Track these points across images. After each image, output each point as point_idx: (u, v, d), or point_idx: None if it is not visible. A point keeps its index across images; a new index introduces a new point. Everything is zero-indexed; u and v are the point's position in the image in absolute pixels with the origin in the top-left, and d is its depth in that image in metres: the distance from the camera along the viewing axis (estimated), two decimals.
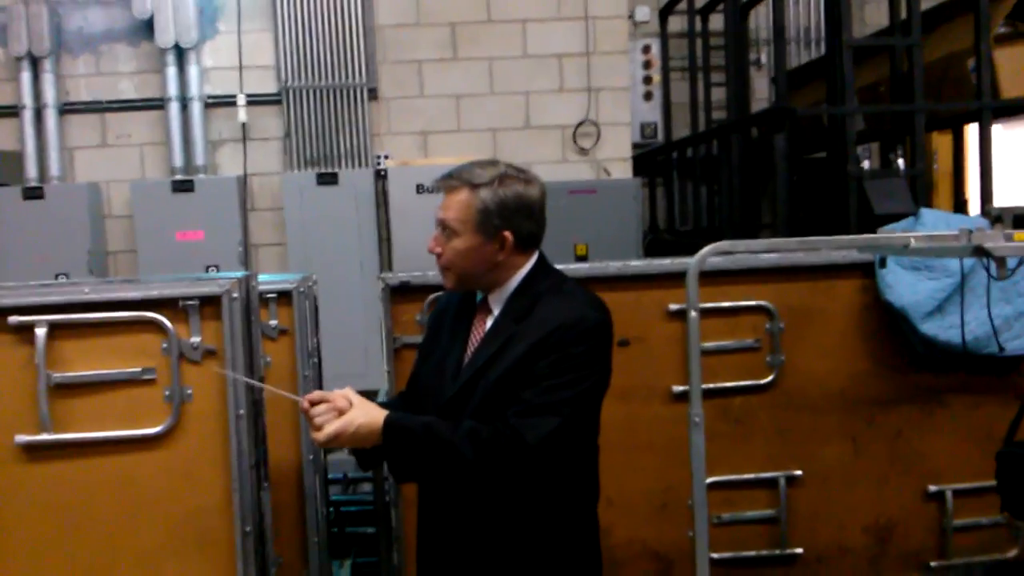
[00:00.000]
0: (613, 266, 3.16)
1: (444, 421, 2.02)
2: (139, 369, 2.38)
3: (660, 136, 8.00)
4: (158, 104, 6.04)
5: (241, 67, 6.06)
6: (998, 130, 5.45)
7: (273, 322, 3.08)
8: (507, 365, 2.05)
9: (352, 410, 2.03)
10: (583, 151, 6.21)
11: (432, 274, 2.86)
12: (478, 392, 2.06)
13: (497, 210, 2.07)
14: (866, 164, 6.97)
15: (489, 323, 2.15)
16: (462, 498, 2.12)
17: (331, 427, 2.00)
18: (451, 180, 2.11)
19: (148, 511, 2.40)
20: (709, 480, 2.72)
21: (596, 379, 2.09)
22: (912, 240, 2.53)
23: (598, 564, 2.23)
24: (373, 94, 6.11)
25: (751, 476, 3.23)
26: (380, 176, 5.96)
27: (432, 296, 2.95)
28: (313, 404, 2.08)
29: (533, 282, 2.14)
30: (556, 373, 2.02)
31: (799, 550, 3.26)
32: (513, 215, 2.08)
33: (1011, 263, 2.49)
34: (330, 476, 3.94)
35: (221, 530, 2.40)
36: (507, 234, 2.09)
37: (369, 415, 2.03)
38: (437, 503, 2.19)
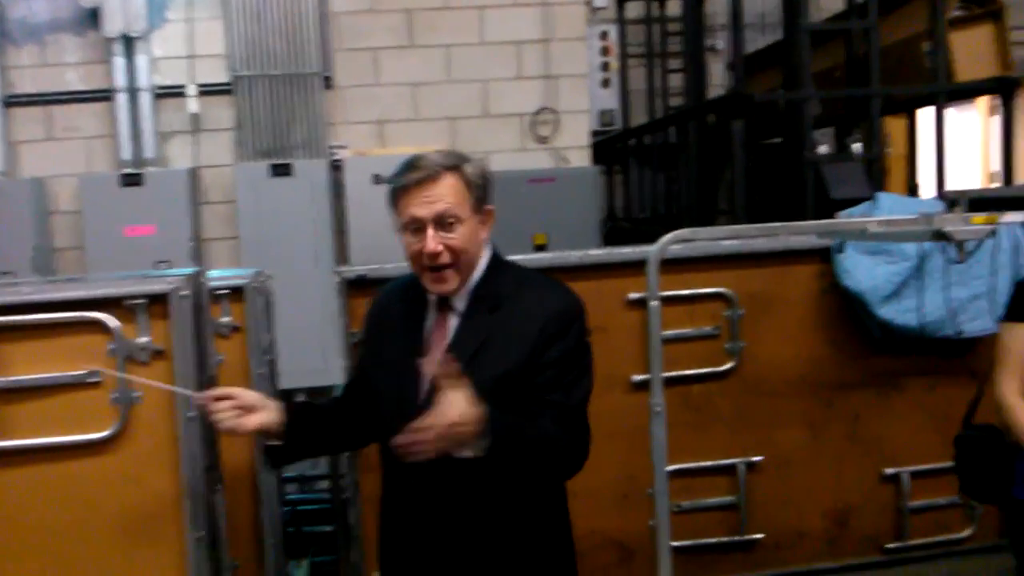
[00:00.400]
0: (573, 256, 3.14)
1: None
2: (85, 372, 2.31)
3: (618, 123, 7.99)
4: (106, 95, 5.89)
5: (192, 56, 5.92)
6: (951, 114, 5.50)
7: (225, 319, 2.99)
8: (506, 361, 1.96)
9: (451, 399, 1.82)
10: (542, 139, 6.16)
11: (390, 267, 2.80)
12: (475, 389, 1.94)
13: (482, 183, 2.01)
14: (823, 149, 7.01)
15: (453, 319, 2.05)
16: (444, 492, 2.02)
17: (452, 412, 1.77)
18: (429, 170, 1.95)
19: (97, 518, 2.34)
20: (669, 468, 2.71)
21: (591, 364, 2.08)
22: (871, 225, 2.53)
23: (572, 553, 2.20)
24: (328, 83, 6.01)
25: (711, 463, 3.23)
26: (336, 167, 5.87)
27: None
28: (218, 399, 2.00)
29: (496, 273, 2.08)
30: (567, 362, 1.99)
31: (759, 536, 3.28)
32: (488, 187, 2.04)
33: (969, 246, 2.50)
34: (285, 475, 3.87)
35: (173, 535, 2.34)
36: (489, 207, 2.03)
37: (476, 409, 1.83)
38: (413, 497, 2.08)
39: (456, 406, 1.76)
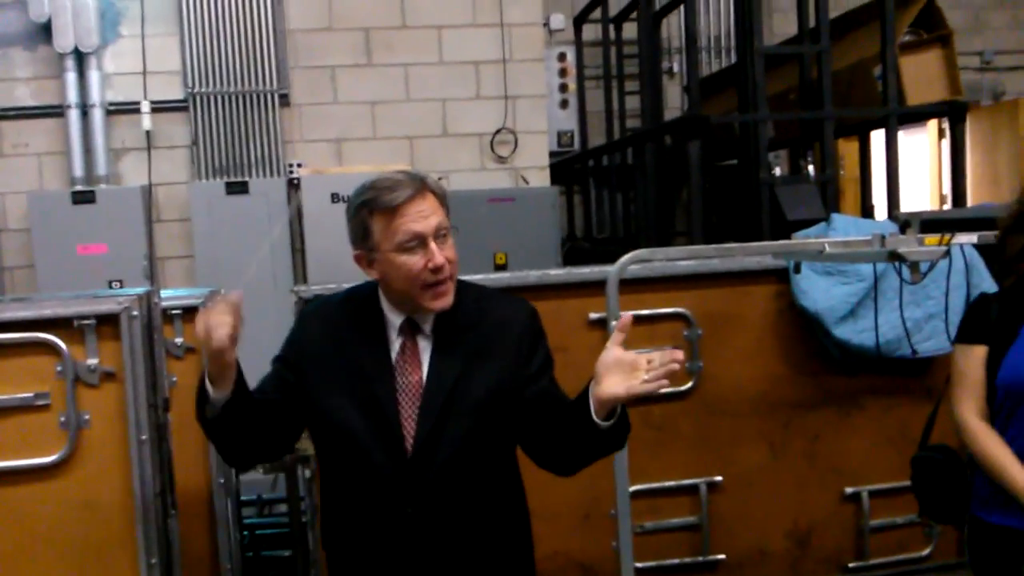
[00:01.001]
0: (533, 275, 3.13)
1: None
2: (32, 394, 2.25)
3: (576, 144, 8.04)
4: (57, 111, 5.77)
5: (145, 72, 5.83)
6: (902, 136, 5.60)
7: (179, 340, 2.94)
8: (493, 376, 1.96)
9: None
10: (501, 159, 6.16)
11: (348, 287, 2.76)
12: (460, 413, 1.94)
13: (445, 199, 2.00)
14: (777, 171, 7.11)
15: (423, 342, 1.99)
16: (403, 512, 1.97)
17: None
18: (416, 184, 1.91)
19: (45, 545, 2.27)
20: (632, 489, 2.70)
21: None
22: (827, 246, 2.56)
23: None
24: (285, 100, 5.96)
25: (673, 483, 3.23)
26: (293, 185, 5.81)
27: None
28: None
29: (457, 293, 2.04)
30: (548, 365, 2.02)
31: (721, 556, 3.28)
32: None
33: (923, 267, 2.53)
34: (243, 498, 3.80)
35: (125, 563, 2.28)
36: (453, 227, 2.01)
37: None
38: (368, 521, 2.01)
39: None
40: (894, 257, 2.48)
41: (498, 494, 2.05)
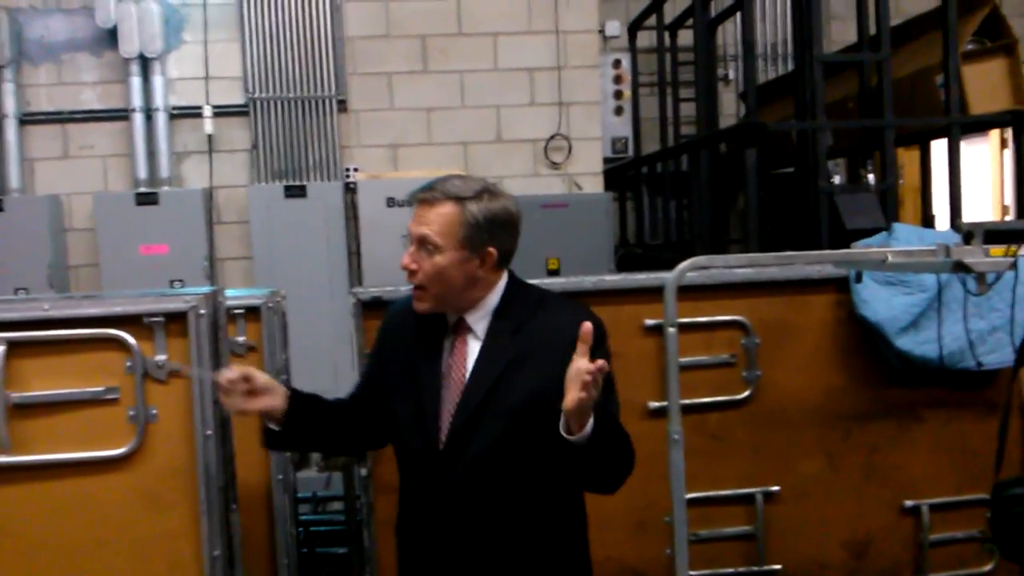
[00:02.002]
0: (588, 281, 3.12)
1: None
2: (102, 388, 2.30)
3: (630, 151, 8.02)
4: (122, 115, 5.93)
5: (207, 77, 5.97)
6: (962, 146, 5.50)
7: (241, 338, 3.00)
8: (536, 381, 1.97)
9: None
10: (554, 165, 6.18)
11: (405, 289, 2.80)
12: (496, 413, 1.98)
13: (486, 225, 1.99)
14: (836, 179, 7.02)
15: (473, 342, 2.06)
16: (464, 517, 2.02)
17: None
18: (431, 193, 2.00)
19: (112, 536, 2.32)
20: (687, 496, 2.68)
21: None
22: (889, 255, 2.52)
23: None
24: (342, 106, 6.05)
25: (728, 492, 3.20)
26: (349, 189, 5.89)
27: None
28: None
29: (515, 296, 2.09)
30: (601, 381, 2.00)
31: (777, 566, 3.24)
32: (499, 231, 2.02)
33: (989, 278, 2.49)
34: (299, 495, 3.85)
35: (189, 555, 2.32)
36: (492, 250, 2.02)
37: None
38: (432, 522, 2.07)
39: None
40: (959, 268, 2.44)
41: (536, 497, 2.05)
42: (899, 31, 5.84)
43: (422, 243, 2.00)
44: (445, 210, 1.98)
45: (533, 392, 1.97)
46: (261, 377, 2.03)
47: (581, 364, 1.79)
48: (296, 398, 2.09)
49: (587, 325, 1.82)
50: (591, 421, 1.84)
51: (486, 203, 2.00)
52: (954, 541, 3.28)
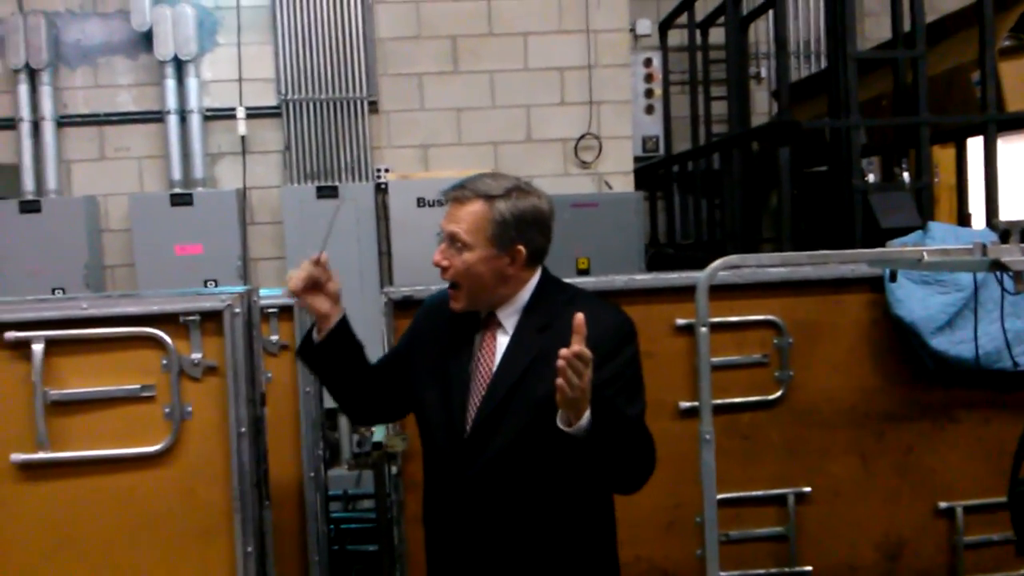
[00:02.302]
0: (619, 280, 3.12)
1: None
2: (138, 386, 2.34)
3: (661, 149, 7.98)
4: (157, 117, 6.00)
5: (241, 80, 6.02)
6: (999, 143, 5.42)
7: (274, 337, 3.04)
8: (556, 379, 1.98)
9: None
10: (584, 164, 6.18)
11: (435, 288, 2.81)
12: (520, 407, 2.00)
13: (514, 222, 2.02)
14: (870, 178, 6.94)
15: (501, 337, 2.09)
16: (491, 512, 2.04)
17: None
18: (462, 191, 2.04)
19: (147, 531, 2.35)
20: (718, 497, 2.67)
21: (643, 384, 2.10)
22: (925, 254, 2.49)
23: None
24: (373, 107, 6.08)
25: (760, 493, 3.18)
26: (380, 189, 5.92)
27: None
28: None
29: (546, 293, 2.11)
30: (621, 381, 2.01)
31: (808, 568, 3.22)
32: (528, 228, 2.04)
33: None
34: (330, 493, 3.88)
35: (222, 550, 2.35)
36: (521, 247, 2.04)
37: None
38: (458, 516, 2.09)
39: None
40: (997, 266, 2.40)
41: (559, 493, 2.05)
42: (934, 27, 5.76)
43: (452, 240, 2.03)
44: (474, 208, 2.02)
45: (550, 394, 1.96)
46: (334, 285, 2.13)
47: (562, 351, 1.79)
48: (345, 325, 2.17)
49: (579, 316, 1.81)
50: (587, 414, 1.83)
51: (515, 201, 2.03)
52: (989, 544, 3.24)
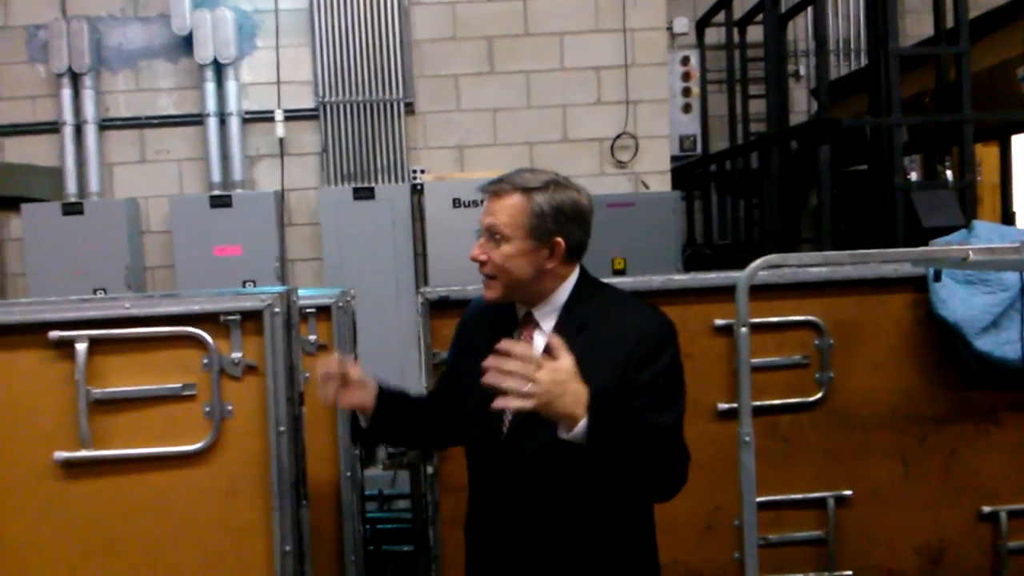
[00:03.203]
0: (657, 280, 3.09)
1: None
2: (179, 385, 2.36)
3: (699, 148, 7.93)
4: (196, 120, 6.08)
5: (279, 82, 6.08)
6: None
7: (312, 337, 3.05)
8: (594, 382, 1.91)
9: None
10: (621, 164, 6.15)
11: (472, 288, 2.81)
12: None
13: (552, 215, 2.01)
14: (912, 176, 6.84)
15: (539, 338, 2.07)
16: (533, 516, 2.03)
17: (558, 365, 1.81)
18: (500, 185, 2.04)
19: (187, 529, 2.37)
20: (758, 500, 2.63)
21: (684, 383, 2.08)
22: (971, 253, 2.44)
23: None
24: (410, 108, 6.11)
25: (799, 496, 3.13)
26: (416, 190, 5.95)
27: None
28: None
29: (584, 293, 2.09)
30: (659, 384, 1.98)
31: (848, 572, 3.16)
32: (567, 221, 2.03)
33: None
34: (366, 493, 3.90)
35: (261, 549, 2.36)
36: (559, 240, 2.03)
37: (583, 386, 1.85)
38: (500, 520, 2.08)
39: (564, 364, 1.80)
40: None
41: (597, 497, 2.03)
42: (977, 22, 5.67)
43: (491, 233, 2.03)
44: (513, 200, 2.01)
45: (591, 392, 1.96)
46: (356, 370, 2.11)
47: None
48: (384, 395, 2.16)
49: (556, 340, 1.85)
50: (584, 422, 1.81)
51: (553, 193, 2.02)
52: None
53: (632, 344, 1.98)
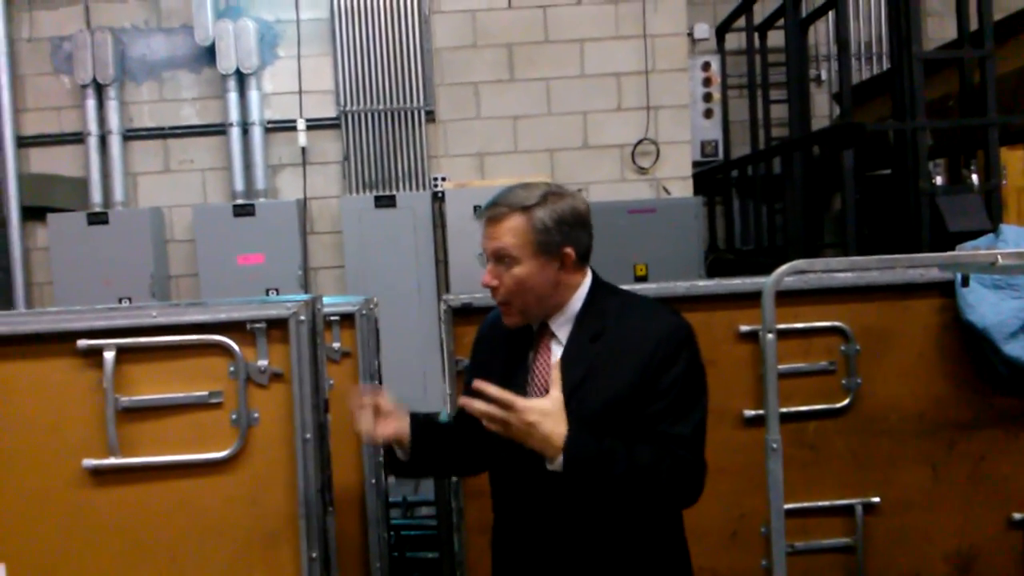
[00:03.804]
0: (681, 286, 3.07)
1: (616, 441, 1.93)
2: (206, 393, 2.37)
3: (720, 154, 7.91)
4: (220, 129, 6.13)
5: (301, 92, 6.12)
6: None
7: (336, 344, 3.06)
8: (613, 389, 1.96)
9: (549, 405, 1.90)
10: (642, 170, 6.14)
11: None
12: (576, 422, 1.94)
13: (556, 227, 2.00)
14: (937, 180, 6.79)
15: (555, 348, 2.06)
16: (559, 524, 2.02)
17: (536, 404, 1.88)
18: (496, 208, 2.01)
19: (214, 536, 2.38)
20: (784, 507, 2.61)
21: (705, 386, 2.08)
22: (999, 257, 2.42)
23: None
24: (430, 116, 6.13)
25: (826, 503, 3.11)
26: (437, 198, 5.96)
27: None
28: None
29: (597, 299, 2.08)
30: (678, 389, 1.98)
31: None
32: (571, 229, 2.02)
33: None
34: (390, 500, 3.90)
35: (287, 556, 2.37)
36: (568, 250, 2.02)
37: (559, 425, 1.89)
38: (527, 528, 2.07)
39: (539, 403, 1.87)
40: None
41: (624, 507, 2.02)
42: (1002, 25, 5.62)
43: (499, 258, 2.01)
44: (514, 222, 2.00)
45: (608, 401, 1.96)
46: (386, 400, 2.08)
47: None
48: (418, 424, 2.13)
49: (556, 362, 1.93)
50: (560, 459, 1.86)
51: (551, 205, 2.01)
52: None
53: (651, 348, 1.97)
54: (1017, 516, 3.14)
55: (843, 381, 3.08)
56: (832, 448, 3.09)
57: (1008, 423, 3.14)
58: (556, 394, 1.88)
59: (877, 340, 3.10)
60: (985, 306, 3.04)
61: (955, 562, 3.17)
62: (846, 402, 3.09)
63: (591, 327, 2.04)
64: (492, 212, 2.02)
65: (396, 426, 2.08)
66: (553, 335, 2.07)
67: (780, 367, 2.85)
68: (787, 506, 2.82)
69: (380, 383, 3.34)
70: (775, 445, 2.40)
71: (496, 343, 2.17)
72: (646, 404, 1.95)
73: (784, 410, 2.91)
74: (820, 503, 3.10)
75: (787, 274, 2.42)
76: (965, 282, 3.00)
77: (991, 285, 3.06)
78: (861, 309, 3.09)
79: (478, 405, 1.86)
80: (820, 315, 3.08)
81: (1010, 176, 7.19)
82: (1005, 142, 5.97)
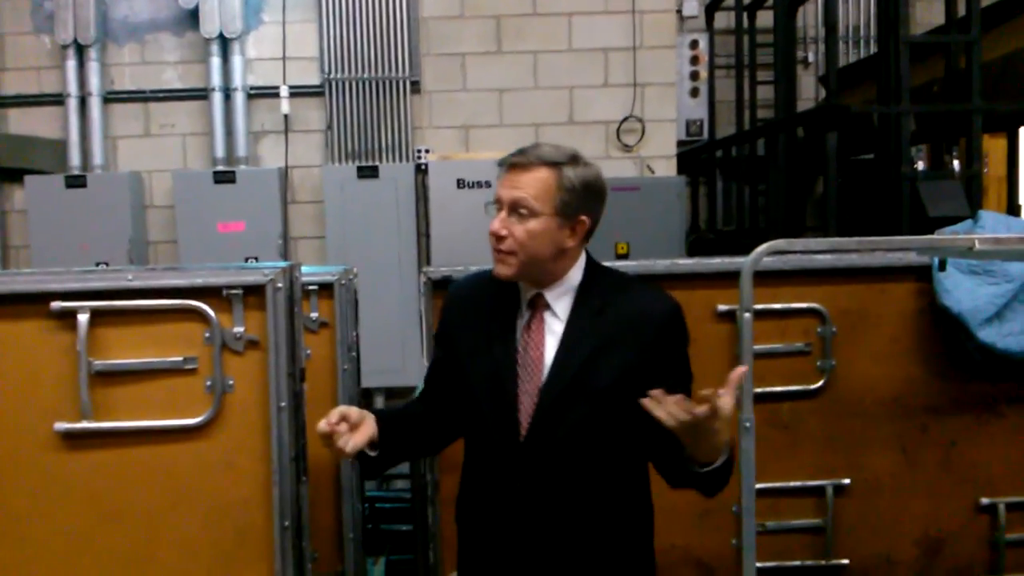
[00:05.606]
0: (661, 264, 3.08)
1: None
2: (181, 358, 2.35)
3: (705, 134, 7.90)
4: (201, 94, 6.05)
5: (285, 58, 6.05)
6: None
7: (314, 314, 3.05)
8: (623, 363, 1.94)
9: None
10: (626, 147, 6.12)
11: (475, 269, 2.80)
12: (582, 397, 1.94)
13: (582, 191, 1.95)
14: (918, 166, 6.82)
15: (551, 321, 2.01)
16: (527, 496, 2.01)
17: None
18: (524, 157, 1.94)
19: (187, 502, 2.37)
20: (756, 487, 2.63)
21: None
22: (976, 242, 2.43)
23: (653, 567, 2.18)
24: (415, 87, 6.08)
25: (798, 484, 3.14)
26: (421, 170, 5.93)
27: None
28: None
29: (596, 276, 2.05)
30: (685, 362, 2.03)
31: (845, 561, 3.17)
32: (592, 199, 1.98)
33: None
34: None
35: (260, 523, 2.36)
36: (584, 218, 1.97)
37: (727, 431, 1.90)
38: (495, 501, 2.05)
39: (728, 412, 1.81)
40: None
41: (608, 486, 2.03)
42: (989, 11, 5.63)
43: (514, 208, 1.94)
44: (541, 175, 1.93)
45: (617, 379, 1.94)
46: (353, 411, 1.96)
47: (727, 401, 1.79)
48: (382, 419, 2.03)
49: (740, 370, 1.88)
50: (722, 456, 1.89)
51: (581, 169, 1.97)
52: None
53: (653, 328, 1.97)
54: (985, 501, 3.18)
55: (818, 363, 3.10)
56: (805, 429, 3.12)
57: (980, 409, 3.18)
58: (731, 402, 1.81)
59: (853, 323, 3.12)
60: (961, 291, 3.06)
61: (924, 545, 3.21)
62: (820, 384, 3.11)
63: (593, 302, 2.00)
64: (518, 160, 1.95)
65: (365, 430, 1.96)
66: (548, 306, 2.02)
67: (756, 347, 2.84)
68: (758, 486, 2.83)
69: (357, 355, 3.34)
70: (748, 424, 2.40)
71: (476, 310, 2.10)
72: (655, 379, 1.91)
73: (759, 390, 2.92)
74: (791, 483, 3.12)
75: (766, 253, 2.42)
76: (942, 267, 3.02)
77: (968, 271, 3.08)
78: (838, 291, 3.11)
79: (662, 414, 1.79)
80: (798, 296, 3.09)
81: (992, 164, 7.25)
82: (988, 129, 6.00)
